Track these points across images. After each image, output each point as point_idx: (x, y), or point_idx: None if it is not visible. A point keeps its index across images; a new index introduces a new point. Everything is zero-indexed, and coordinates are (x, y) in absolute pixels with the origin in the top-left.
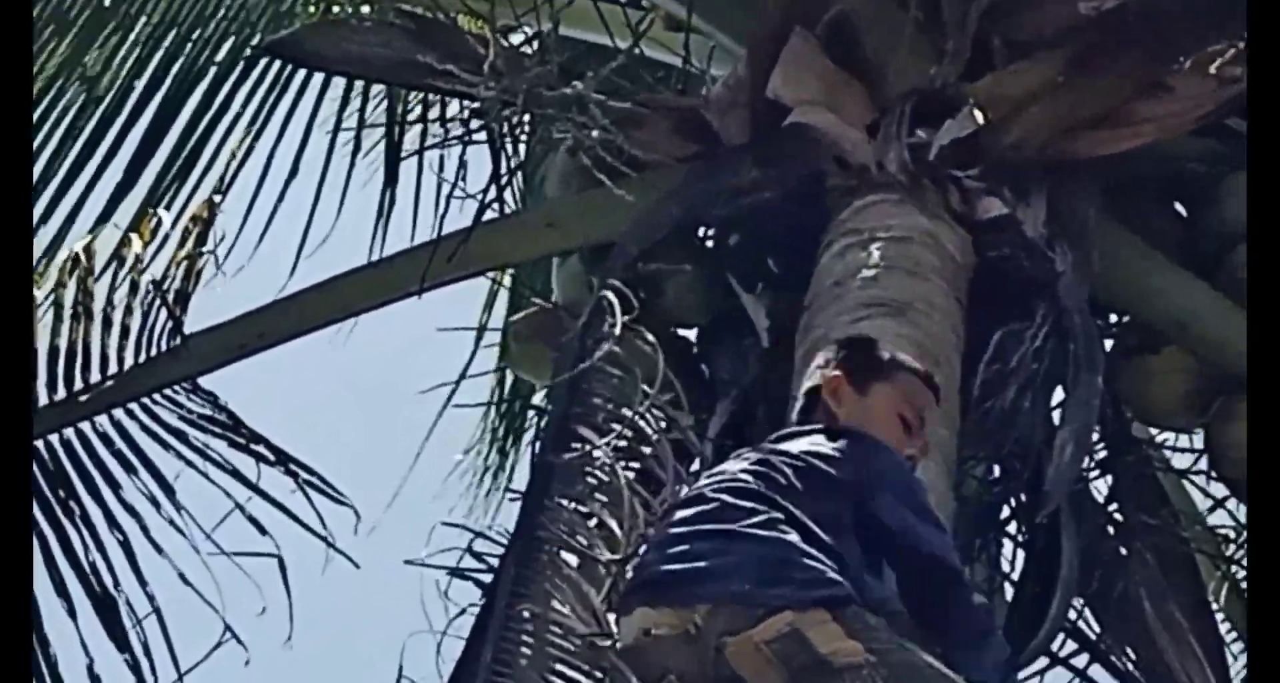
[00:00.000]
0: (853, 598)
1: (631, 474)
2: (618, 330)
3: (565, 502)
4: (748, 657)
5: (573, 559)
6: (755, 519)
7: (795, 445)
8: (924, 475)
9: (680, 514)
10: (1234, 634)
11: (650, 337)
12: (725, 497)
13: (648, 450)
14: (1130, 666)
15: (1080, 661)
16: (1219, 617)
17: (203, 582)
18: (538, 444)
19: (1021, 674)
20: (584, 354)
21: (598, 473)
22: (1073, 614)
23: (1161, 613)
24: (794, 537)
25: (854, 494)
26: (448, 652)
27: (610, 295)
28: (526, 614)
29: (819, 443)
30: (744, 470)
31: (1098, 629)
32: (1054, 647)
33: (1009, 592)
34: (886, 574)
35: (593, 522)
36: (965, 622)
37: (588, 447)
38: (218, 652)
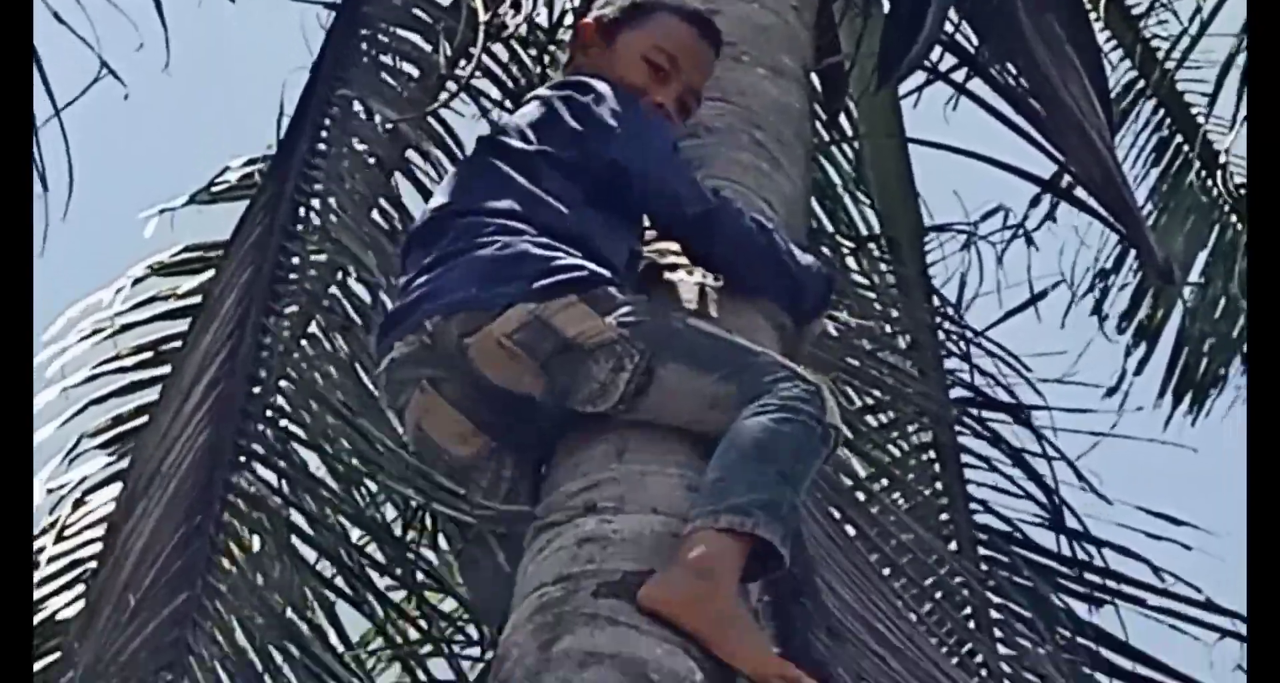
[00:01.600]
0: (599, 278)
1: None
2: None
3: None
4: (491, 354)
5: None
6: (486, 231)
7: (517, 119)
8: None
9: (412, 253)
10: (1111, 42)
11: None
12: (453, 216)
13: None
14: (1009, 78)
15: (959, 75)
16: (1097, 26)
17: (77, 21)
18: None
19: (903, 89)
20: None
21: None
22: (950, 29)
23: (1039, 25)
24: (525, 238)
25: (577, 156)
26: None
27: None
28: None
29: (539, 112)
30: (461, 174)
31: (975, 43)
32: (932, 61)
33: (885, 5)
34: None
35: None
36: (752, 264)
37: None
38: (96, 89)
